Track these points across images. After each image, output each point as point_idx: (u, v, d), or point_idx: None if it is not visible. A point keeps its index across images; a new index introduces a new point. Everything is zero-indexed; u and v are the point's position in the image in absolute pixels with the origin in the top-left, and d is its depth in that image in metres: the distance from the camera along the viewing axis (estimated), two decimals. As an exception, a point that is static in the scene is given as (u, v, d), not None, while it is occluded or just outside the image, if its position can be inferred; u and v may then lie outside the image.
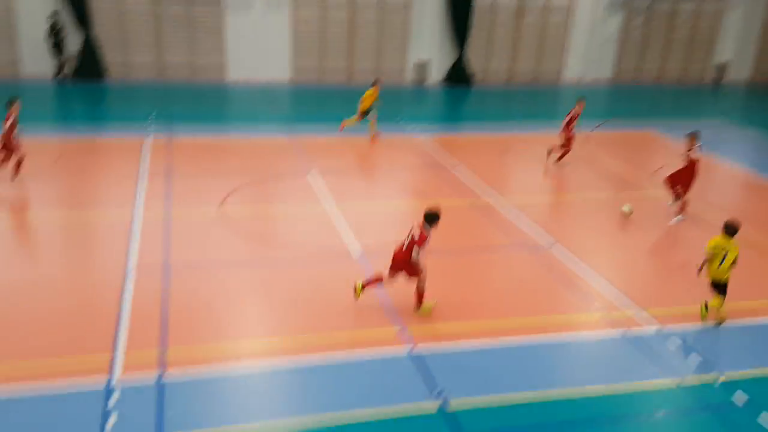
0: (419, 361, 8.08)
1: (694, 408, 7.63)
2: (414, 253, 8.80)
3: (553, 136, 16.68)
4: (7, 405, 6.99)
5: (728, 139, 19.89)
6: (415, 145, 18.06)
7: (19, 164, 13.48)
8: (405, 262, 8.94)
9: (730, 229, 9.10)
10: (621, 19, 28.69)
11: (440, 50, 27.05)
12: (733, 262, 9.08)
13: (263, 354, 8.16)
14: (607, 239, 12.60)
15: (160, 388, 7.33)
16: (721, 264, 9.06)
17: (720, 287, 9.23)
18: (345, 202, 13.38)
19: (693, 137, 13.12)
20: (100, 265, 10.43)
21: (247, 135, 18.36)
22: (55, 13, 23.02)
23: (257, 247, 11.34)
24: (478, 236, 12.19)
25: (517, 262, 11.24)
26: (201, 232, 11.66)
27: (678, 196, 13.29)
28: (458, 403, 7.35)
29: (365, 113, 17.78)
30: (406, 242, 8.94)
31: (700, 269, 9.27)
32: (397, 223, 12.92)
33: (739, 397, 7.71)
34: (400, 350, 8.30)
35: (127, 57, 24.41)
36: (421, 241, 8.78)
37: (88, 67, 23.77)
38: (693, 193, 13.46)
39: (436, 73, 27.35)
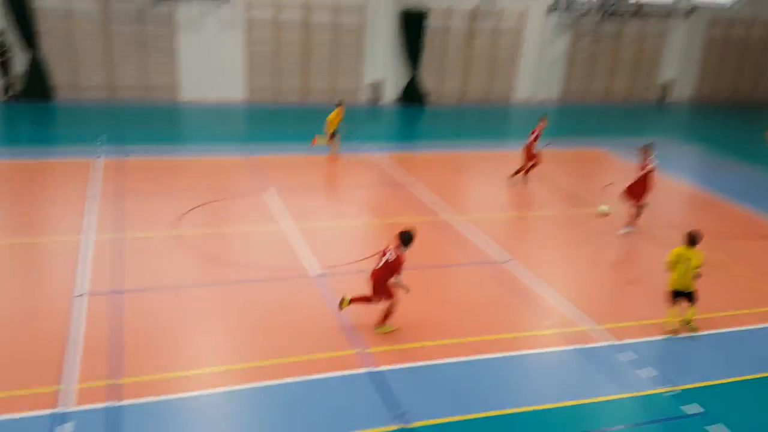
0: (380, 383, 8.05)
1: (649, 421, 7.79)
2: (394, 279, 8.84)
3: (505, 153, 16.99)
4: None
5: (672, 155, 20.57)
6: (372, 163, 18.14)
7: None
8: (380, 283, 8.94)
9: (691, 239, 9.47)
10: (568, 40, 29.55)
11: (394, 70, 27.34)
12: (697, 268, 9.39)
13: (220, 381, 8.00)
14: (562, 255, 12.85)
15: (114, 418, 7.11)
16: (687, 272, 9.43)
17: (687, 295, 9.57)
18: (303, 221, 13.32)
19: (647, 149, 13.61)
20: (48, 293, 10.07)
21: (202, 155, 18.14)
22: (0, 33, 22.41)
23: (213, 269, 11.16)
24: (437, 254, 12.27)
25: (475, 279, 11.35)
26: (155, 255, 11.42)
27: (638, 207, 13.69)
28: (420, 424, 7.34)
29: (333, 135, 17.81)
30: (381, 262, 8.95)
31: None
32: (355, 241, 12.92)
33: (693, 409, 7.91)
34: (360, 372, 8.25)
35: (76, 77, 23.87)
36: (399, 263, 8.81)
37: (36, 87, 23.14)
38: (647, 207, 13.87)
39: (391, 92, 27.61)
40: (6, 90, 23.01)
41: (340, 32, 26.21)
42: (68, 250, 11.36)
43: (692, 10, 29.42)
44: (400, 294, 9.08)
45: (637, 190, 13.63)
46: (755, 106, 32.50)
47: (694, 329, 9.70)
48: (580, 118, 27.65)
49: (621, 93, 31.37)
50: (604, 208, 13.25)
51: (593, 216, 13.58)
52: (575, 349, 9.15)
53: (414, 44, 26.73)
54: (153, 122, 22.23)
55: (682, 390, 8.27)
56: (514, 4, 28.05)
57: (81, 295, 9.71)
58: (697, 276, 9.48)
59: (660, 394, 8.19)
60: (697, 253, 9.45)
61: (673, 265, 9.52)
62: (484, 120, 26.27)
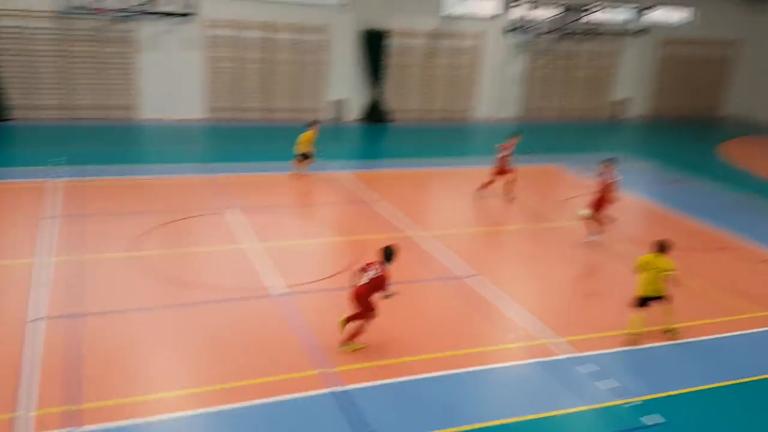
0: (344, 402, 8.01)
1: None
2: (382, 293, 8.86)
3: (467, 170, 17.21)
4: None
5: (627, 171, 21.08)
6: (336, 181, 18.15)
7: None
8: (363, 300, 8.94)
9: (660, 247, 9.74)
10: (526, 59, 30.18)
11: (357, 89, 27.51)
12: (669, 272, 9.61)
13: (182, 405, 7.85)
14: (524, 269, 13.03)
15: (74, 445, 6.93)
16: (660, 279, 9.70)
17: (658, 300, 9.80)
18: (265, 240, 13.23)
19: (607, 163, 14.08)
20: (0, 319, 9.78)
21: (162, 175, 17.91)
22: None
23: (174, 290, 10.99)
24: (402, 270, 12.25)
25: (439, 295, 11.42)
26: (114, 277, 11.20)
27: (597, 219, 14.10)
28: (387, 440, 7.33)
29: (305, 156, 17.75)
30: (364, 279, 8.94)
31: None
32: (319, 259, 12.88)
33: (654, 419, 8.05)
34: (324, 392, 8.19)
35: (32, 98, 23.39)
36: (384, 279, 8.85)
37: (-11, 107, 22.63)
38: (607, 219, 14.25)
39: (354, 110, 27.75)
40: (-42, 110, 22.42)
41: (302, 52, 26.29)
42: (21, 274, 11.05)
43: (643, 30, 30.37)
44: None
45: (599, 203, 14.04)
46: (707, 122, 33.62)
47: (675, 335, 9.97)
48: (537, 136, 28.14)
49: (577, 111, 32.10)
50: (583, 212, 14.10)
51: (550, 232, 13.82)
52: (538, 363, 9.26)
53: (376, 63, 26.97)
54: (112, 142, 21.87)
55: (644, 401, 8.42)
56: (473, 25, 28.58)
57: (36, 320, 9.45)
58: (675, 280, 9.69)
59: (621, 405, 8.31)
60: (667, 260, 9.70)
61: (641, 269, 9.75)
62: (446, 138, 26.57)
